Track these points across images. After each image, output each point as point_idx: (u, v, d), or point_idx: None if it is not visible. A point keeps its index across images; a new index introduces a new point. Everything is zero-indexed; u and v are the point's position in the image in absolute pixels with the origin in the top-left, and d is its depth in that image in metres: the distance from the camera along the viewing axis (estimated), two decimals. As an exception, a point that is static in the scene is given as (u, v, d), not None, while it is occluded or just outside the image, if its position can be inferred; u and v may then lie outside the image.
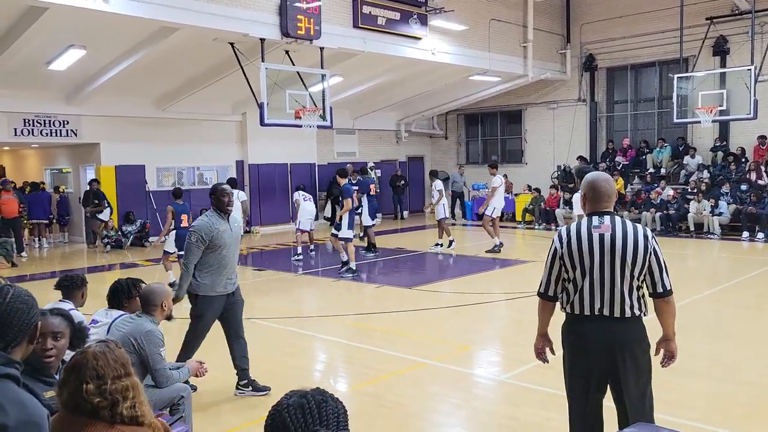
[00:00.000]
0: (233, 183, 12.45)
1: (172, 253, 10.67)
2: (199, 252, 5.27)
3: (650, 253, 3.34)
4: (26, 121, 15.02)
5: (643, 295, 3.42)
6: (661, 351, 3.54)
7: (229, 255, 5.40)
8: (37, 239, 16.59)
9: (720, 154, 17.96)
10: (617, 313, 3.34)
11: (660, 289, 3.36)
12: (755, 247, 14.44)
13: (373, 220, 13.95)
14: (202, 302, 5.40)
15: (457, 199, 21.18)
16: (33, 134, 15.20)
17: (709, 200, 15.94)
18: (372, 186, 14.03)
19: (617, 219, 3.41)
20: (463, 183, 21.64)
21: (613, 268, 3.32)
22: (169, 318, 4.32)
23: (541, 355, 3.75)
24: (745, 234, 15.29)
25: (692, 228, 16.04)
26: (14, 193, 15.09)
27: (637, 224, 3.45)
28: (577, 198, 11.96)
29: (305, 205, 13.69)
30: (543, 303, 3.58)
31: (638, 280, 3.36)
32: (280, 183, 19.06)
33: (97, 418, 2.12)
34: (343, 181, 11.90)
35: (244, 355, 5.63)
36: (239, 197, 12.15)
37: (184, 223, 10.26)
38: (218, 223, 5.35)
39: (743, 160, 17.41)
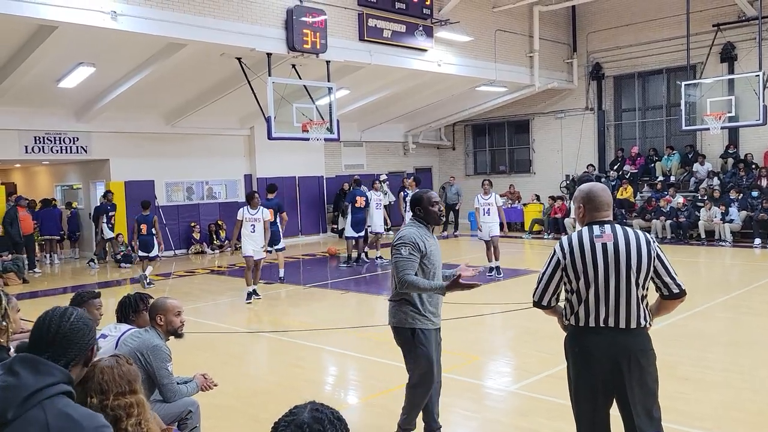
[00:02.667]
0: (249, 197, 10.93)
1: (145, 257, 12.54)
2: (415, 264, 4.22)
3: (654, 257, 3.31)
4: (37, 138, 15.17)
5: (647, 305, 3.39)
6: None
7: (438, 276, 4.42)
8: (48, 255, 16.70)
9: (730, 160, 17.86)
10: (623, 324, 3.30)
11: (676, 290, 3.32)
12: (768, 253, 14.32)
13: (358, 233, 14.06)
14: (420, 337, 4.32)
15: (450, 211, 20.13)
16: (44, 151, 15.34)
17: (719, 207, 15.84)
18: (359, 198, 14.12)
19: (617, 227, 3.38)
20: (456, 193, 20.53)
21: (618, 277, 3.28)
22: (176, 335, 4.28)
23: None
24: (757, 241, 15.16)
25: (703, 235, 15.93)
26: (27, 210, 15.24)
27: (637, 231, 3.42)
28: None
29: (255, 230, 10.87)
30: (543, 311, 3.55)
31: (643, 288, 3.33)
32: (289, 196, 19.09)
33: None
34: (270, 196, 12.30)
35: (437, 411, 4.68)
36: (264, 216, 10.71)
37: (144, 231, 12.40)
38: (427, 235, 4.39)
39: (753, 166, 17.30)
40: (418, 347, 4.33)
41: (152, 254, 12.49)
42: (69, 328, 2.06)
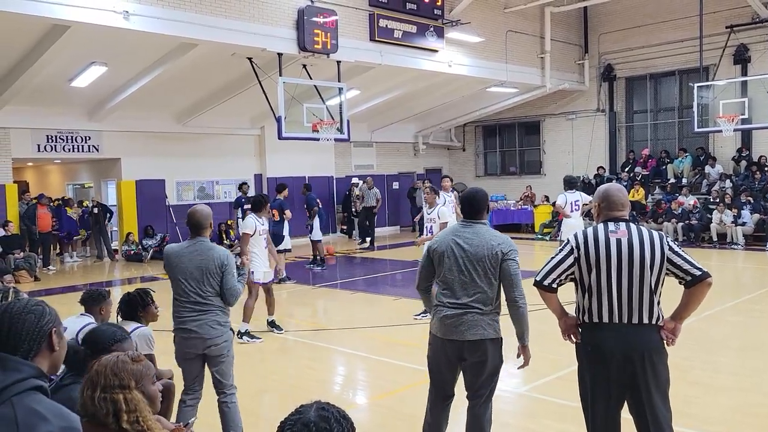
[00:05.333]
0: (259, 203, 8.16)
1: None
2: None
3: (667, 253, 3.32)
4: (49, 137, 15.28)
5: (659, 303, 3.39)
6: (665, 329, 3.41)
7: None
8: (58, 255, 16.79)
9: (743, 163, 17.72)
10: (635, 319, 3.31)
11: (698, 272, 3.28)
12: (780, 257, 14.17)
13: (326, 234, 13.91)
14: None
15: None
16: (56, 150, 15.45)
17: (731, 210, 15.72)
18: (319, 201, 14.07)
19: (632, 225, 3.42)
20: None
21: (631, 272, 3.30)
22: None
23: (571, 330, 3.56)
24: (770, 244, 15.03)
25: (715, 238, 15.81)
26: (48, 209, 15.38)
27: (650, 230, 3.45)
28: (561, 199, 11.84)
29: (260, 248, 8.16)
30: (543, 294, 3.50)
31: (655, 285, 3.33)
32: (298, 196, 19.10)
33: (106, 429, 2.12)
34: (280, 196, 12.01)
35: None
36: (267, 225, 8.40)
37: None
38: None
39: (767, 168, 17.15)
40: (502, 356, 4.01)
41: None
42: (14, 322, 2.00)
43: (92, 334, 3.21)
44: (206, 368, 4.55)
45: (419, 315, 8.70)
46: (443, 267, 3.96)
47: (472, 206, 4.00)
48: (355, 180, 19.18)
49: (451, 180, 10.87)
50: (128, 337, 3.09)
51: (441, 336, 3.97)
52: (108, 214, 16.69)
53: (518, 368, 4.04)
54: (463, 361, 3.97)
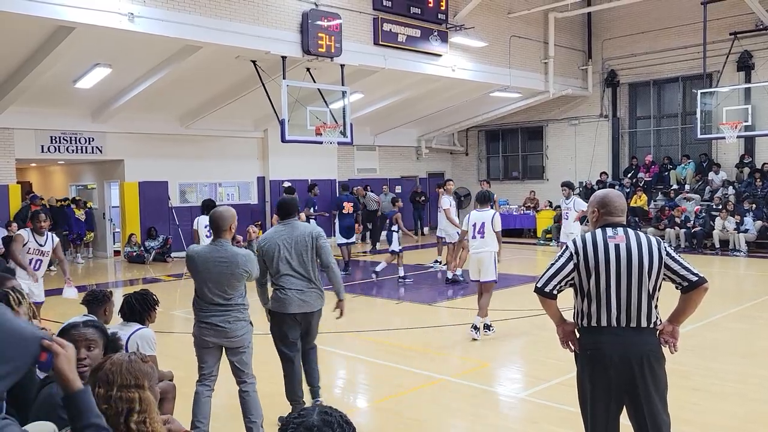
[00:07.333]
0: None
1: None
2: None
3: (664, 258, 3.34)
4: (53, 138, 15.31)
5: (657, 306, 3.40)
6: (664, 333, 3.44)
7: None
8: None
9: (746, 170, 17.70)
10: (634, 323, 3.33)
11: (694, 278, 3.30)
12: (783, 264, 14.14)
13: (347, 238, 13.43)
14: None
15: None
16: (59, 151, 15.48)
17: (734, 217, 15.69)
18: (347, 204, 13.50)
19: (630, 231, 3.43)
20: (392, 202, 19.97)
21: (629, 277, 3.31)
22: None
23: (569, 336, 3.57)
24: (773, 251, 15.00)
25: (718, 245, 15.79)
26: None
27: (648, 235, 3.46)
28: (576, 202, 12.11)
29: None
30: (543, 300, 3.50)
31: (653, 290, 3.34)
32: (302, 199, 19.09)
33: (111, 428, 2.12)
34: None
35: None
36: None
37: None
38: None
39: (769, 176, 17.14)
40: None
41: None
42: None
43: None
44: (220, 363, 4.68)
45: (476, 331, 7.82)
46: (277, 260, 5.01)
47: (285, 209, 5.21)
48: (286, 183, 18.01)
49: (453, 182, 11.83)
50: (96, 322, 3.02)
51: (293, 312, 5.10)
52: (58, 218, 15.91)
53: (336, 319, 5.49)
54: (303, 324, 5.21)
